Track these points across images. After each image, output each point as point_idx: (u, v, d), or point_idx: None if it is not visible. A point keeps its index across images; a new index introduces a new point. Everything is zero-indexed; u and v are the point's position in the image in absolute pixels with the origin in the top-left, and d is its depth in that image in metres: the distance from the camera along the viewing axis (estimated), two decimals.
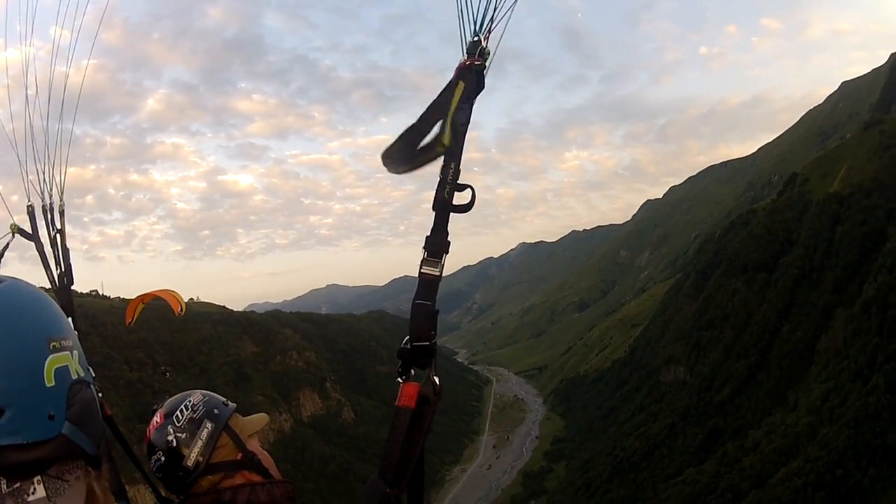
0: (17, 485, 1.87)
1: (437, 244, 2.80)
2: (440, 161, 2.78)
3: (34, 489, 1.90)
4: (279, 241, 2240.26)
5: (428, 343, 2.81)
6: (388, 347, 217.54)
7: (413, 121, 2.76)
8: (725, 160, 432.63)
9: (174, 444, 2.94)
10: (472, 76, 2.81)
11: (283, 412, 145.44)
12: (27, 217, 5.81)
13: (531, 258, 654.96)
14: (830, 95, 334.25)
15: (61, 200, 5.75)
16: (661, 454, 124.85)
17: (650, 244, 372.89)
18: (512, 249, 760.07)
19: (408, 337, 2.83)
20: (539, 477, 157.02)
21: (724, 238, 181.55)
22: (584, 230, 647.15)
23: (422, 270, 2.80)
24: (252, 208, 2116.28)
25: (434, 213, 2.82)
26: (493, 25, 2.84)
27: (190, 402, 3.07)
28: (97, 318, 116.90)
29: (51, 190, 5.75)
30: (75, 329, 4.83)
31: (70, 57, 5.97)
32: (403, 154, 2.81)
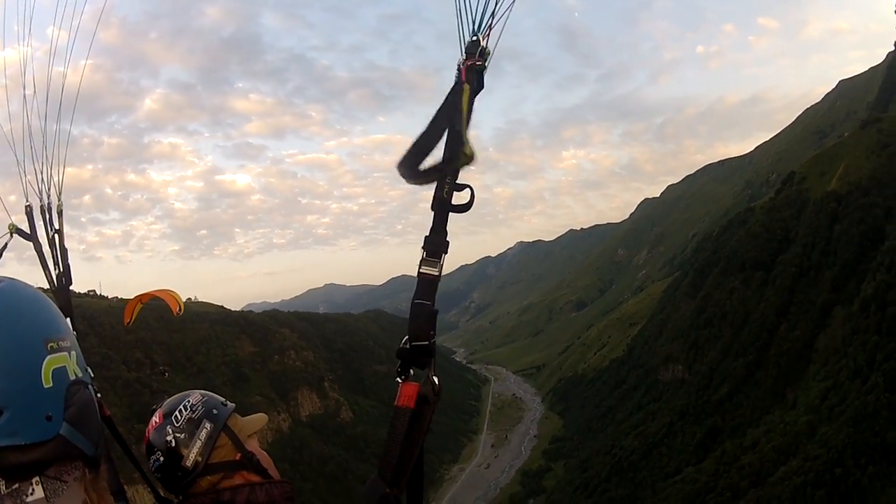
0: (16, 486, 1.88)
1: (436, 244, 2.79)
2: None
3: (33, 490, 1.91)
4: (277, 241, 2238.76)
5: (427, 343, 2.80)
6: (386, 347, 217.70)
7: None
8: (723, 159, 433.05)
9: (173, 444, 2.93)
10: (475, 77, 2.80)
11: (282, 412, 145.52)
12: (25, 217, 5.80)
13: (529, 257, 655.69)
14: (828, 94, 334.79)
15: (59, 200, 5.73)
16: (660, 453, 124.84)
17: (648, 243, 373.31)
18: (510, 248, 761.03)
19: (407, 337, 2.81)
20: (538, 476, 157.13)
21: (722, 236, 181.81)
22: (582, 229, 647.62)
23: (421, 270, 2.79)
24: (249, 208, 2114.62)
25: (433, 212, 2.80)
26: (494, 23, 2.82)
27: (189, 402, 3.05)
28: (95, 318, 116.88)
29: (49, 190, 5.74)
30: (73, 329, 4.82)
31: (68, 57, 5.96)
32: (416, 164, 2.75)
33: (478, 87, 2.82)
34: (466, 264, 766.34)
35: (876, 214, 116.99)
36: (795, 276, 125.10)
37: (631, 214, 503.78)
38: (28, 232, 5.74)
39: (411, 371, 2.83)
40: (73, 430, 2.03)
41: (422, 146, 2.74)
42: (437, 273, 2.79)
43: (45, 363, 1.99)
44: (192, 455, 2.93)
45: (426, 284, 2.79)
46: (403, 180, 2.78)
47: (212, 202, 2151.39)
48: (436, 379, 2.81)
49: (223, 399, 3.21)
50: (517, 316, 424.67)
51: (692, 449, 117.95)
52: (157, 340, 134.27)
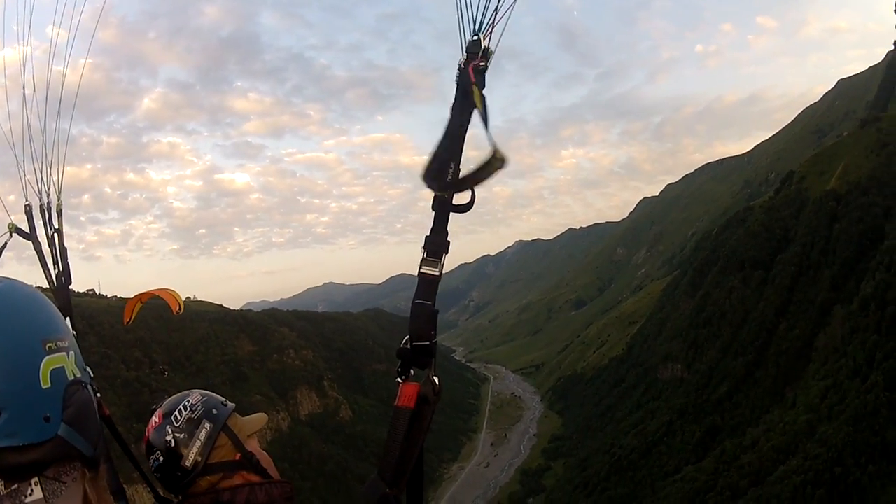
0: (15, 486, 1.88)
1: (436, 244, 2.78)
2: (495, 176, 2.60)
3: (31, 490, 1.91)
4: (276, 240, 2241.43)
5: (428, 343, 2.79)
6: (386, 346, 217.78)
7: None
8: (722, 158, 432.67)
9: (172, 444, 2.94)
10: (479, 78, 2.76)
11: (281, 411, 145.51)
12: (24, 217, 5.80)
13: (528, 256, 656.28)
14: (827, 93, 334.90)
15: (59, 200, 5.73)
16: (659, 452, 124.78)
17: (647, 242, 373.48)
18: (509, 247, 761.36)
19: (407, 337, 2.80)
20: (537, 475, 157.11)
21: (721, 235, 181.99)
22: (581, 228, 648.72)
23: (421, 270, 2.78)
24: (248, 207, 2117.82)
25: (433, 212, 2.79)
26: (497, 21, 2.81)
27: (188, 402, 3.06)
28: (94, 317, 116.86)
29: (48, 189, 5.73)
30: (73, 329, 4.82)
31: (67, 56, 5.95)
32: (442, 174, 2.67)
33: (481, 87, 2.79)
34: (465, 263, 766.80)
35: (875, 213, 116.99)
36: (795, 275, 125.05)
37: (630, 213, 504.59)
38: (28, 231, 5.74)
39: (412, 371, 2.82)
40: (72, 431, 2.02)
41: (443, 155, 2.69)
42: (437, 273, 2.78)
43: (42, 364, 1.98)
44: (191, 455, 2.93)
45: (427, 284, 2.78)
46: (432, 191, 2.74)
47: (211, 201, 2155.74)
48: (436, 379, 2.80)
49: (223, 399, 3.20)
50: (516, 315, 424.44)
51: (692, 448, 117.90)
52: (156, 339, 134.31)
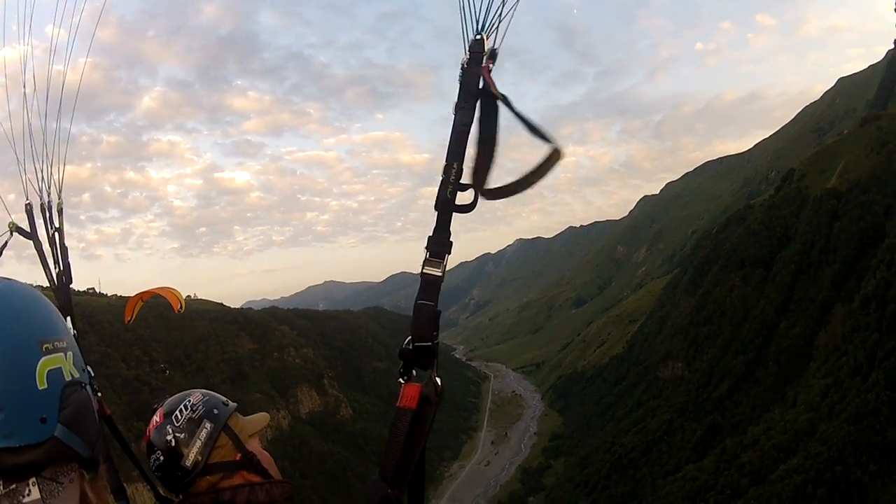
0: (14, 486, 1.87)
1: (439, 244, 2.79)
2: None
3: (29, 491, 1.89)
4: (276, 238, 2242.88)
5: (430, 343, 2.79)
6: (386, 344, 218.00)
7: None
8: (722, 156, 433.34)
9: (173, 443, 2.93)
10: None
11: (281, 409, 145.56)
12: (25, 216, 5.80)
13: (528, 254, 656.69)
14: (827, 92, 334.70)
15: (60, 199, 5.72)
16: (660, 450, 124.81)
17: (647, 240, 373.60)
18: (509, 245, 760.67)
19: (409, 337, 2.80)
20: (537, 473, 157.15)
21: (721, 234, 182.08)
22: (581, 226, 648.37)
23: (424, 270, 2.79)
24: (248, 205, 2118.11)
25: (436, 213, 2.80)
26: (502, 18, 2.82)
27: (189, 401, 3.04)
28: (94, 315, 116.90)
29: (49, 188, 5.73)
30: (74, 328, 4.83)
31: (68, 56, 5.95)
32: (483, 180, 2.72)
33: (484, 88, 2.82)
34: (466, 261, 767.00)
35: (876, 212, 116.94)
36: (795, 273, 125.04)
37: (630, 212, 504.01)
38: (28, 230, 5.74)
39: (414, 372, 2.83)
40: (69, 432, 2.00)
41: (485, 162, 2.73)
42: (440, 273, 2.79)
43: (39, 365, 1.97)
44: (191, 455, 2.92)
45: (429, 285, 2.79)
46: (485, 200, 2.75)
47: (211, 200, 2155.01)
48: (438, 380, 2.80)
49: (224, 399, 3.19)
50: (517, 313, 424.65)
51: (692, 446, 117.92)
52: (157, 338, 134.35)
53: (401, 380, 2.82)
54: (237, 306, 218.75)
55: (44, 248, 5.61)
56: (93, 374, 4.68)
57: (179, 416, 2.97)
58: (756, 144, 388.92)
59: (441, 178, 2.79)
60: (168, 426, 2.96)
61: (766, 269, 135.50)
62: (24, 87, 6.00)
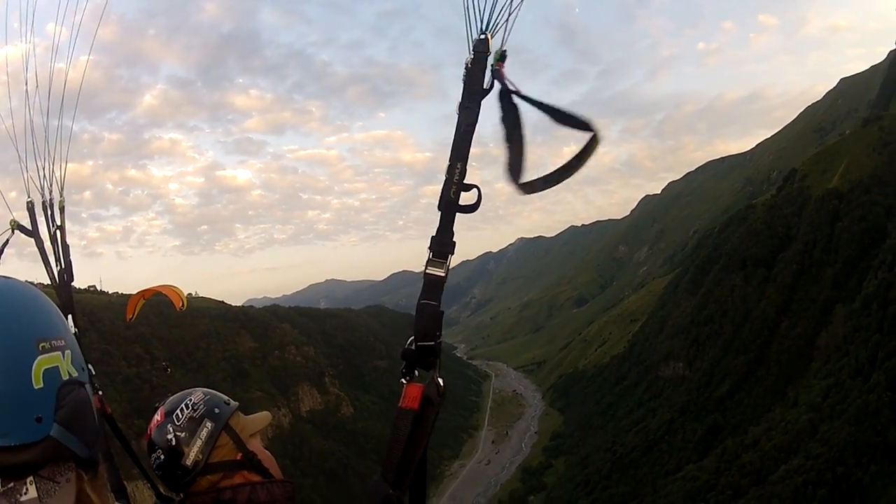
0: (12, 485, 1.87)
1: (442, 244, 2.79)
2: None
3: (27, 489, 1.89)
4: (277, 236, 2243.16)
5: (433, 343, 2.79)
6: (387, 342, 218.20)
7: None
8: (723, 156, 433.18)
9: (174, 442, 2.92)
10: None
11: (282, 407, 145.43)
12: (26, 213, 5.79)
13: (529, 253, 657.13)
14: (829, 92, 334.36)
15: (61, 196, 5.71)
16: (661, 450, 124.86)
17: (648, 239, 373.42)
18: (510, 244, 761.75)
19: (412, 337, 2.80)
20: (538, 472, 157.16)
21: (722, 233, 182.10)
22: (583, 225, 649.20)
23: (427, 271, 2.78)
24: (250, 203, 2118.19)
25: (439, 212, 2.80)
26: (509, 17, 2.82)
27: (191, 400, 3.04)
28: (95, 313, 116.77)
29: (50, 186, 5.73)
30: (75, 326, 4.83)
31: (70, 54, 5.95)
32: (520, 174, 2.75)
33: (490, 89, 2.84)
34: (467, 260, 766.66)
35: (877, 212, 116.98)
36: (796, 273, 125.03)
37: (631, 211, 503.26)
38: (30, 228, 5.74)
39: (416, 372, 2.84)
40: (65, 432, 1.98)
41: (516, 158, 2.76)
42: (443, 274, 2.79)
43: (35, 364, 1.95)
44: (192, 454, 2.91)
45: (432, 285, 2.79)
46: (528, 193, 2.76)
47: (212, 198, 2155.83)
48: (441, 380, 2.81)
49: (226, 398, 3.18)
50: (518, 312, 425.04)
51: (693, 446, 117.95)
52: (157, 336, 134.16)
53: (403, 380, 2.82)
54: (238, 304, 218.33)
55: (45, 245, 5.58)
56: (94, 373, 4.69)
57: (180, 415, 2.97)
58: (758, 144, 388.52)
59: (445, 178, 2.78)
60: (169, 425, 2.95)
61: (767, 269, 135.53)
62: (27, 84, 5.99)
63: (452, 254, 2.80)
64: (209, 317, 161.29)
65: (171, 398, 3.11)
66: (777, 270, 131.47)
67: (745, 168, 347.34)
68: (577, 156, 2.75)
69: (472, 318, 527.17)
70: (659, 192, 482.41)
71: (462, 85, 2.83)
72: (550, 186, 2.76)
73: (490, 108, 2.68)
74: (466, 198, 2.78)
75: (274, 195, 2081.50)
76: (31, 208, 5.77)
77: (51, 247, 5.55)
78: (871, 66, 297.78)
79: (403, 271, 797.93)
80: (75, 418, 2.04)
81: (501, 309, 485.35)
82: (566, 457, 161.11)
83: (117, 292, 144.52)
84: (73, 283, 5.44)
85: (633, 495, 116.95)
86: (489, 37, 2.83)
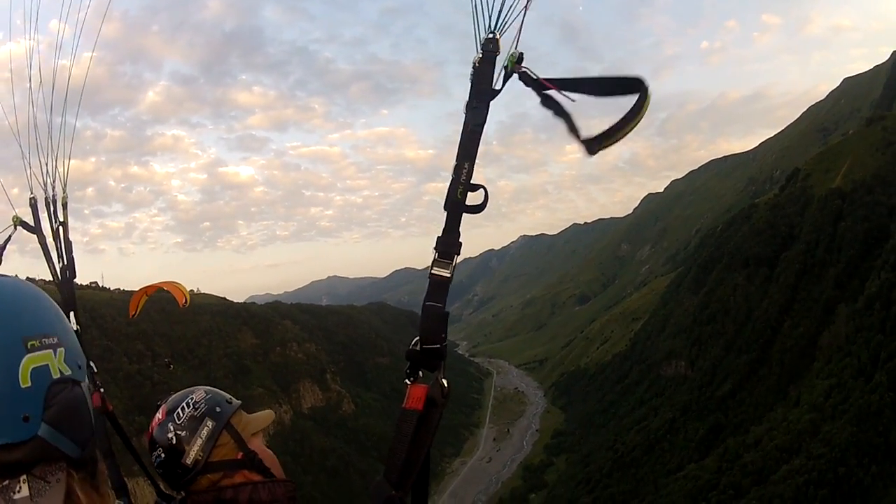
0: (6, 483, 1.85)
1: (448, 245, 2.77)
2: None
3: (20, 488, 1.86)
4: (280, 233, 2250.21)
5: (438, 346, 2.78)
6: (389, 339, 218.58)
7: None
8: (726, 155, 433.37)
9: (174, 441, 2.93)
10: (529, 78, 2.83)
11: (283, 404, 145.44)
12: (29, 210, 5.79)
13: (532, 251, 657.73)
14: (832, 91, 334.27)
15: (64, 193, 5.71)
16: (662, 449, 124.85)
17: (651, 238, 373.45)
18: (513, 242, 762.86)
19: (417, 338, 2.79)
20: (539, 470, 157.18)
21: (725, 232, 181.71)
22: (585, 223, 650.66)
23: (432, 271, 2.77)
24: (252, 200, 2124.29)
25: (446, 213, 2.79)
26: (520, 16, 2.81)
27: (192, 399, 3.04)
28: (96, 310, 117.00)
29: (53, 182, 5.72)
30: (77, 323, 4.83)
31: (74, 51, 5.95)
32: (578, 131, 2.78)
33: (499, 91, 2.85)
34: (470, 257, 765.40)
35: (880, 212, 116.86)
36: (799, 273, 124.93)
37: (634, 209, 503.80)
38: (32, 224, 5.74)
39: (420, 373, 2.82)
40: (54, 432, 1.93)
41: (573, 124, 2.78)
42: (448, 275, 2.77)
43: (22, 363, 1.89)
44: (192, 453, 2.92)
45: (437, 286, 2.77)
46: (592, 154, 2.77)
47: (215, 194, 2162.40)
48: (445, 381, 2.79)
49: (228, 396, 3.16)
50: (520, 309, 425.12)
51: (694, 445, 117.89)
52: (159, 332, 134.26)
53: (407, 381, 2.80)
54: (240, 301, 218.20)
55: (48, 242, 5.58)
56: (95, 370, 4.69)
57: (181, 414, 2.96)
58: (761, 143, 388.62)
59: (451, 178, 2.77)
60: (170, 423, 2.95)
61: (770, 269, 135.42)
62: (30, 81, 5.99)
63: (458, 254, 2.78)
64: (211, 313, 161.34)
65: (173, 396, 3.10)
66: (780, 270, 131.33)
67: (748, 167, 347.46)
68: (631, 110, 2.76)
69: (475, 315, 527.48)
70: (662, 190, 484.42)
71: (469, 84, 2.82)
72: (612, 142, 2.76)
73: (493, 105, 2.70)
74: (473, 198, 2.76)
75: (276, 192, 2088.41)
76: (33, 205, 5.77)
77: (53, 243, 5.56)
78: (875, 66, 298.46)
79: (405, 268, 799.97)
80: (65, 418, 1.99)
81: (503, 306, 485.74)
82: (567, 455, 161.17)
83: (119, 289, 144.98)
84: (75, 280, 5.45)
85: (634, 494, 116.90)
86: (498, 36, 2.81)
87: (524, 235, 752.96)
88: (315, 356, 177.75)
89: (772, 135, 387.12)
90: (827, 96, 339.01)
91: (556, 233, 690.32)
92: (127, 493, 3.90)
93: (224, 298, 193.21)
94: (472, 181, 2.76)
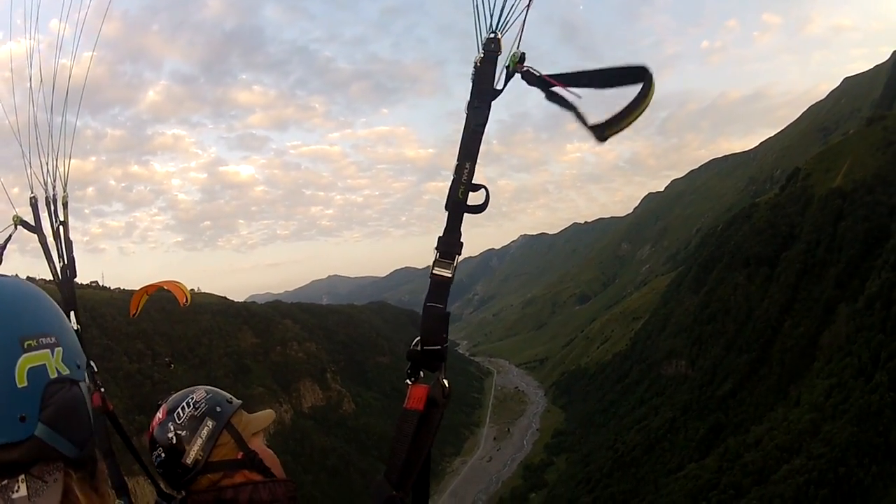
0: (5, 482, 1.85)
1: (449, 245, 2.78)
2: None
3: (18, 487, 1.86)
4: (280, 232, 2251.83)
5: (439, 347, 2.79)
6: (389, 338, 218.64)
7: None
8: (727, 154, 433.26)
9: (174, 440, 2.93)
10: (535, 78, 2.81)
11: (283, 403, 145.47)
12: (30, 210, 5.79)
13: (532, 250, 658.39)
14: (832, 91, 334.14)
15: (65, 192, 5.71)
16: (662, 448, 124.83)
17: (651, 237, 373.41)
18: (513, 241, 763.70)
19: (418, 338, 2.80)
20: (539, 470, 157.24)
21: (725, 232, 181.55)
22: (585, 223, 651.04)
23: (434, 271, 2.77)
24: (253, 199, 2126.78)
25: (447, 213, 2.79)
26: (521, 15, 2.80)
27: (193, 398, 3.04)
28: (97, 309, 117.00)
29: (54, 182, 5.72)
30: (77, 322, 4.84)
31: (74, 51, 5.95)
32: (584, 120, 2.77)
33: (501, 90, 2.83)
34: (470, 256, 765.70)
35: (881, 212, 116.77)
36: (800, 272, 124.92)
37: (634, 209, 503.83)
38: (33, 224, 5.74)
39: (421, 373, 2.82)
40: (51, 432, 1.93)
41: (580, 113, 2.78)
42: (450, 275, 2.77)
43: (19, 362, 1.89)
44: (192, 452, 2.92)
45: (438, 286, 2.79)
46: (602, 140, 2.77)
47: (215, 193, 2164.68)
48: (446, 382, 2.79)
49: (229, 396, 3.16)
50: (520, 309, 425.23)
51: (695, 445, 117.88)
52: (159, 331, 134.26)
53: (408, 381, 2.81)
54: (240, 300, 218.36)
55: (48, 241, 5.59)
56: (96, 369, 4.69)
57: (182, 414, 2.96)
58: (761, 143, 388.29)
59: (453, 178, 2.76)
60: (170, 423, 2.95)
61: (770, 268, 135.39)
62: (30, 80, 5.99)
63: (460, 254, 2.79)
64: (211, 313, 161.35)
65: (174, 396, 3.10)
66: (780, 269, 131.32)
67: (749, 166, 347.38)
68: (637, 97, 2.74)
69: (475, 314, 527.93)
70: (662, 189, 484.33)
71: (471, 83, 2.80)
72: (624, 126, 2.75)
73: (493, 105, 2.70)
74: (474, 198, 2.75)
75: (277, 191, 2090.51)
76: (34, 204, 5.78)
77: (53, 243, 5.57)
78: (875, 66, 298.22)
79: (406, 267, 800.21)
80: (62, 417, 1.98)
81: (504, 306, 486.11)
82: (568, 454, 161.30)
83: (119, 288, 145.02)
84: (75, 279, 5.45)
85: (634, 493, 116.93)
86: (500, 36, 2.80)
87: (525, 235, 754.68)
88: (315, 355, 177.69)
89: (772, 134, 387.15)
90: (827, 96, 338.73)
91: (556, 232, 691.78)
92: (127, 493, 3.91)
93: (224, 298, 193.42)
94: (473, 181, 2.75)
